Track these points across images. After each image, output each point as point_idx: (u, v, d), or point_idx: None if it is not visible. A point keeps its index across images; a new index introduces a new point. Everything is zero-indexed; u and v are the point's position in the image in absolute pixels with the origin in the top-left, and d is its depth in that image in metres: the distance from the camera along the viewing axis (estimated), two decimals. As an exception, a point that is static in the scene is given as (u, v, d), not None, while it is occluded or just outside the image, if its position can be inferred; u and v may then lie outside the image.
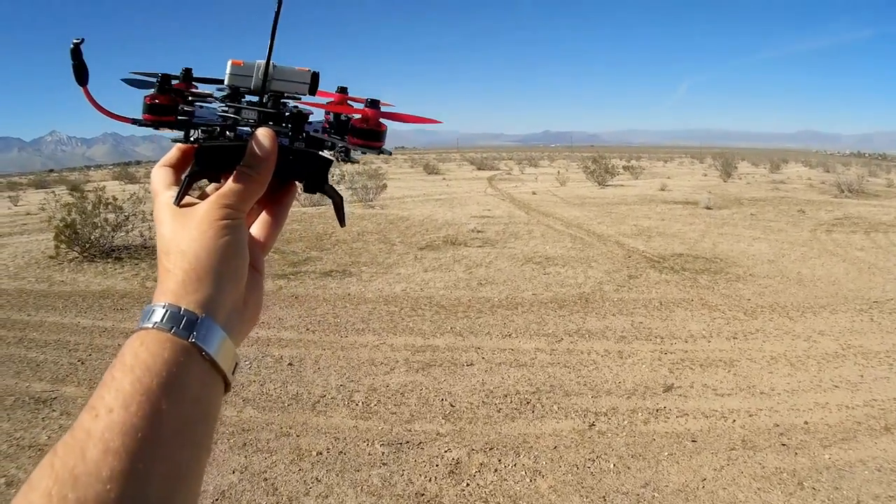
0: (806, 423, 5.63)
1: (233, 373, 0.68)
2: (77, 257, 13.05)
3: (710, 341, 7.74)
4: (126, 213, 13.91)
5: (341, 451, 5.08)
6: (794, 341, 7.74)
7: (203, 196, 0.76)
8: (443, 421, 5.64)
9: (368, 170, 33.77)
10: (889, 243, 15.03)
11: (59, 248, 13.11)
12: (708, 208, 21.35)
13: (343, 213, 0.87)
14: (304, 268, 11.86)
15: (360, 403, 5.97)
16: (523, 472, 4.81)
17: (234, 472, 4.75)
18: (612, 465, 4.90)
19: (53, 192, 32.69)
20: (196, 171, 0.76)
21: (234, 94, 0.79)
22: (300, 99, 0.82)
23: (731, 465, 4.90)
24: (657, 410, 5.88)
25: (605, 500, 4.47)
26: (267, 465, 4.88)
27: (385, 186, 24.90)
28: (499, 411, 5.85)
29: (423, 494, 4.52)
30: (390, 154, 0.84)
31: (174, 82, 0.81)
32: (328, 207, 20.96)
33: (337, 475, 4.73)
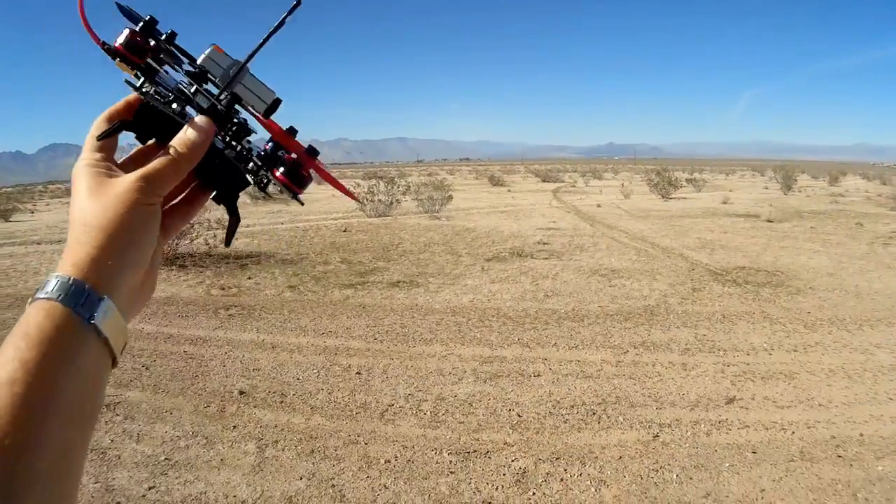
0: (861, 434, 5.59)
1: (121, 352, 0.68)
2: (140, 265, 13.24)
3: (771, 354, 7.64)
4: (190, 222, 14.05)
5: (409, 460, 5.10)
6: (851, 354, 7.62)
7: (123, 165, 0.77)
8: (510, 431, 5.62)
9: (434, 181, 33.89)
10: (946, 256, 14.61)
11: (121, 256, 13.34)
12: (769, 221, 21.00)
13: (233, 235, 0.87)
14: (371, 278, 11.96)
15: (428, 412, 5.99)
16: (588, 482, 4.78)
17: (301, 479, 4.80)
18: (675, 476, 4.88)
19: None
20: (129, 123, 0.76)
21: (200, 77, 0.79)
22: (255, 113, 0.81)
23: (789, 477, 4.88)
24: (719, 422, 5.83)
25: (668, 511, 4.44)
26: (335, 471, 4.91)
27: (450, 198, 24.94)
28: (565, 422, 5.81)
29: (489, 503, 4.52)
30: (302, 204, 0.83)
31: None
32: (394, 218, 21.09)
33: (405, 483, 4.75)
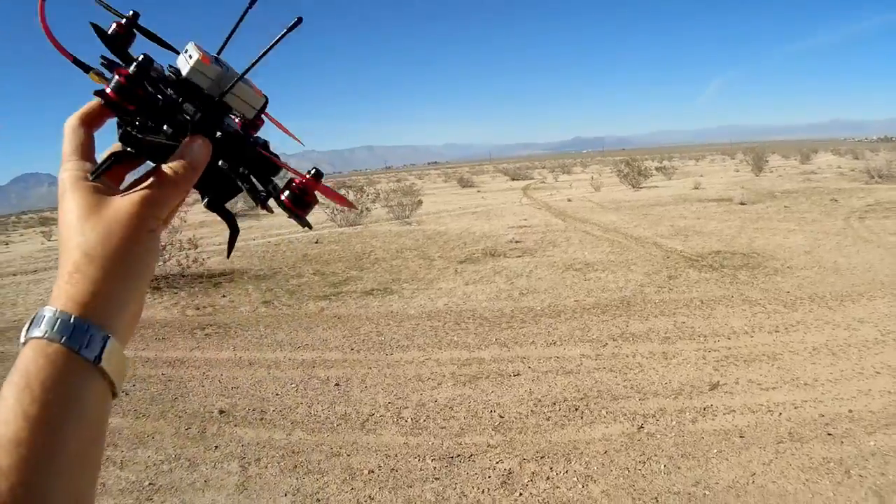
0: (850, 411, 5.57)
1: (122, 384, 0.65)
2: (116, 289, 13.08)
3: (752, 336, 7.64)
4: (162, 243, 13.83)
5: (393, 469, 5.05)
6: (834, 331, 7.63)
7: (114, 177, 0.72)
8: (493, 432, 5.59)
9: (403, 187, 33.85)
10: (922, 226, 14.82)
11: (96, 281, 13.13)
12: (742, 204, 21.17)
13: (233, 247, 0.83)
14: (345, 288, 11.90)
15: (409, 420, 5.94)
16: (575, 479, 4.75)
17: (285, 496, 4.74)
18: (662, 466, 4.85)
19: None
20: (125, 154, 0.70)
21: (184, 86, 0.72)
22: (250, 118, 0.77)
23: (780, 459, 4.85)
24: (704, 409, 5.81)
25: (657, 500, 4.40)
26: (319, 486, 4.85)
27: (420, 202, 24.94)
28: (548, 419, 5.79)
29: (477, 507, 4.48)
30: (311, 228, 0.78)
31: (118, 20, 0.76)
32: (365, 227, 21.02)
33: (389, 492, 4.70)
